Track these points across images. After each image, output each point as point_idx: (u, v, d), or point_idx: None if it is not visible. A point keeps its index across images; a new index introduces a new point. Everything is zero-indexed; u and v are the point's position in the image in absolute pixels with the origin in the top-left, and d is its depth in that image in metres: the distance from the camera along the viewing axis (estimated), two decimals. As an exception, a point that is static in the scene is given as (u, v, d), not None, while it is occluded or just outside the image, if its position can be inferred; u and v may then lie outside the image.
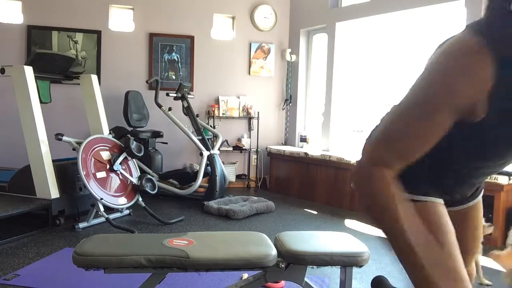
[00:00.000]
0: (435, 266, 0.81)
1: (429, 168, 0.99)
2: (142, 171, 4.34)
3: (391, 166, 0.85)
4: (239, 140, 5.61)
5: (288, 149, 5.26)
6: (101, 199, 3.33)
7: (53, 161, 3.51)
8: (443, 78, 0.81)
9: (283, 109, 5.79)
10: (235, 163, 5.59)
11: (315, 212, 4.28)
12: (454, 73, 0.80)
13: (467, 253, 1.25)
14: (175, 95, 4.66)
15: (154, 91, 4.71)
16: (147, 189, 3.69)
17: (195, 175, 4.49)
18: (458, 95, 0.80)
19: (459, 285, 0.85)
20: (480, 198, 1.25)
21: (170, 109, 4.67)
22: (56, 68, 3.92)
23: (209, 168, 4.49)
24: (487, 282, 2.45)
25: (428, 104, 0.83)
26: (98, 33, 5.15)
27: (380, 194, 0.83)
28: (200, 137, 4.59)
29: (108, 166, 3.57)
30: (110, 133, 3.98)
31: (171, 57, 5.39)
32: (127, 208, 3.76)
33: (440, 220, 0.96)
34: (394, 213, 0.82)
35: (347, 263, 1.79)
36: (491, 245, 3.24)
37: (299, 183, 5.03)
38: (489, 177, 3.26)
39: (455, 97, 0.80)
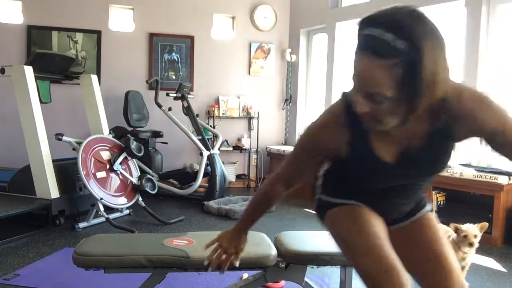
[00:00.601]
0: None
1: (345, 184, 1.31)
2: (142, 171, 4.34)
3: (280, 183, 1.33)
4: (239, 140, 5.61)
5: (288, 149, 5.26)
6: (101, 199, 3.33)
7: (53, 161, 3.50)
8: (316, 130, 1.22)
9: (283, 109, 5.79)
10: (235, 163, 5.59)
11: (315, 212, 4.28)
12: (323, 128, 1.21)
13: (422, 274, 1.24)
14: (175, 95, 4.66)
15: (154, 91, 4.70)
16: (147, 189, 3.69)
17: (195, 175, 4.49)
18: (324, 144, 1.21)
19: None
20: (418, 217, 1.33)
21: (170, 109, 4.66)
22: (56, 68, 3.92)
23: (209, 168, 4.49)
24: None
25: (304, 148, 1.27)
26: (98, 33, 5.15)
27: (266, 192, 1.37)
28: (200, 137, 4.59)
29: (108, 166, 3.57)
30: (110, 133, 3.98)
31: (171, 57, 5.39)
32: (127, 208, 3.75)
33: (359, 214, 1.25)
34: (256, 201, 1.40)
35: (347, 263, 1.79)
36: (491, 245, 3.24)
37: (299, 183, 5.02)
38: (491, 178, 3.27)
39: (321, 144, 1.22)
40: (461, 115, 1.09)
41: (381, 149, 1.16)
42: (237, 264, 1.44)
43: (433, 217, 1.38)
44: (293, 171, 1.32)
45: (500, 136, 1.11)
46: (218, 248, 1.42)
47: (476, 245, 2.32)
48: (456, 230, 2.36)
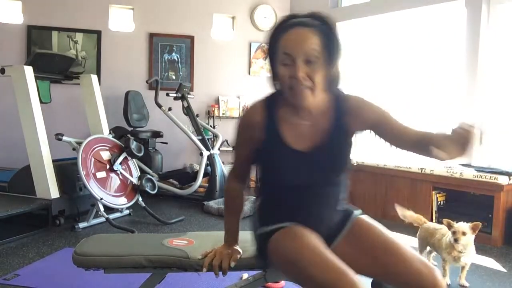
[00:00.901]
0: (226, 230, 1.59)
1: (276, 206, 1.46)
2: (142, 171, 4.34)
3: (234, 179, 1.56)
4: (239, 140, 5.60)
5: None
6: (101, 199, 3.33)
7: (53, 161, 3.50)
8: (240, 123, 1.48)
9: (283, 109, 5.78)
10: (235, 163, 5.58)
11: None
12: (244, 121, 1.46)
13: (381, 272, 1.34)
14: (175, 95, 4.66)
15: (154, 91, 4.70)
16: (147, 189, 3.69)
17: (195, 175, 4.49)
18: (247, 134, 1.44)
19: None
20: (351, 226, 1.44)
21: (170, 109, 4.66)
22: (56, 68, 3.92)
23: (209, 168, 4.48)
24: (465, 283, 2.45)
25: (236, 141, 1.50)
26: (98, 33, 5.15)
27: (225, 192, 1.61)
28: (200, 137, 4.59)
29: (108, 166, 3.57)
30: (110, 133, 3.98)
31: (171, 57, 5.39)
32: (127, 208, 3.75)
33: (296, 232, 1.33)
34: (225, 203, 1.62)
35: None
36: (491, 245, 3.24)
37: (299, 183, 5.02)
38: (491, 178, 3.27)
39: (245, 135, 1.45)
40: (351, 111, 1.40)
41: (291, 138, 1.38)
42: (232, 265, 1.50)
43: (366, 217, 1.49)
44: (238, 166, 1.54)
45: (382, 125, 1.40)
46: (214, 253, 1.52)
47: (463, 241, 2.31)
48: (449, 226, 2.37)
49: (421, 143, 1.30)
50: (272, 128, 1.39)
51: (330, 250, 1.28)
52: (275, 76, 1.41)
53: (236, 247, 1.56)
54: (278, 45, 1.32)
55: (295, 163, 1.37)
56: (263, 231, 1.45)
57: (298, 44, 1.29)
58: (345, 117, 1.39)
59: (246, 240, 1.60)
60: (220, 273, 1.51)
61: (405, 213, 2.62)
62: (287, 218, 1.40)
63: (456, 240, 2.30)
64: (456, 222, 2.37)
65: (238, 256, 1.53)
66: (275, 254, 1.37)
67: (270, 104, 1.42)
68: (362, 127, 1.42)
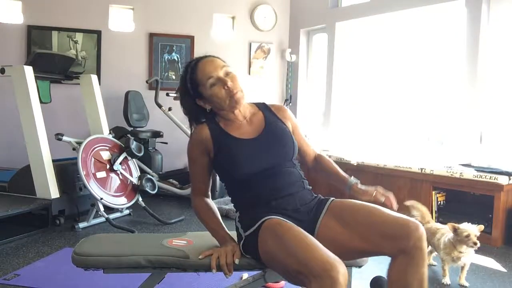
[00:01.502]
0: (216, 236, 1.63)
1: (254, 208, 1.55)
2: (142, 171, 4.33)
3: (197, 196, 1.68)
4: (239, 140, 5.59)
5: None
6: (101, 199, 3.33)
7: (53, 161, 3.50)
8: (190, 145, 1.65)
9: (283, 109, 5.78)
10: (235, 163, 5.57)
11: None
12: (194, 140, 1.64)
13: (374, 238, 1.45)
14: (175, 95, 4.65)
15: (154, 91, 4.70)
16: (147, 189, 3.68)
17: (195, 175, 4.48)
18: (199, 149, 1.62)
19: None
20: (329, 207, 1.59)
21: (170, 109, 4.66)
22: (56, 68, 3.92)
23: (209, 168, 4.47)
24: (465, 283, 2.45)
25: (190, 162, 1.66)
26: (98, 33, 5.15)
27: (196, 210, 1.68)
28: (200, 137, 4.57)
29: (108, 166, 3.57)
30: (110, 133, 3.98)
31: (171, 57, 5.39)
32: (127, 208, 3.75)
33: (277, 224, 1.42)
34: (201, 217, 1.67)
35: (347, 263, 1.79)
36: (491, 245, 3.24)
37: (299, 183, 5.01)
38: (491, 178, 3.26)
39: (198, 151, 1.63)
40: (276, 109, 1.73)
41: (237, 134, 1.60)
42: (237, 261, 1.50)
43: (341, 199, 1.63)
44: (197, 182, 1.67)
45: (295, 132, 1.71)
46: (217, 252, 1.53)
47: (478, 244, 2.32)
48: (455, 230, 2.35)
49: (315, 162, 1.80)
50: (220, 133, 1.60)
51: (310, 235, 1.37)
52: (199, 108, 1.65)
53: (234, 244, 1.56)
54: (197, 79, 1.58)
55: (249, 150, 1.57)
56: (250, 232, 1.49)
57: (213, 65, 1.58)
58: (274, 112, 1.72)
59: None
60: (223, 273, 1.50)
61: (417, 205, 2.64)
62: (266, 210, 1.50)
63: (475, 244, 2.30)
64: (459, 224, 2.36)
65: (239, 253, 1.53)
66: (264, 247, 1.42)
67: (210, 122, 1.64)
68: (288, 123, 1.71)
